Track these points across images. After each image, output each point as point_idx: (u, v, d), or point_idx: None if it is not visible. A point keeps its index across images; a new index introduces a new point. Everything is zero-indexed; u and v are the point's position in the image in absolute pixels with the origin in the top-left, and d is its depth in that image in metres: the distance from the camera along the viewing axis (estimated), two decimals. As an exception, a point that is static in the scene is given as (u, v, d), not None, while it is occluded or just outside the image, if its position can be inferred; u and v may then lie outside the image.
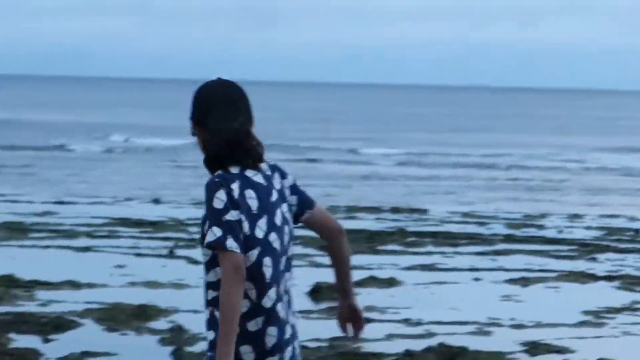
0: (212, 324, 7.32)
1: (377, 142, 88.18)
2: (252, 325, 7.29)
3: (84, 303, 21.21)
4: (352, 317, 7.75)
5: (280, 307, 7.43)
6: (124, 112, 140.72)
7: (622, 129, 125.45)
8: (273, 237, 7.31)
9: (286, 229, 7.43)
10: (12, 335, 18.75)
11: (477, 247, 30.81)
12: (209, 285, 7.38)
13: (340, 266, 7.71)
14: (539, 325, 20.65)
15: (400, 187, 52.59)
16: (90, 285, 23.05)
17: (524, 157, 76.16)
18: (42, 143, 79.11)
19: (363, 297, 22.89)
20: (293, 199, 7.44)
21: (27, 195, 42.83)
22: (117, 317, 19.44)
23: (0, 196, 42.62)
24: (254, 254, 7.20)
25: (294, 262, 7.13)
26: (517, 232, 34.37)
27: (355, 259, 27.58)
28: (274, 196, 7.39)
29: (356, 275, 24.57)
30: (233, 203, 7.23)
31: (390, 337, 19.57)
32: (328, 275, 24.76)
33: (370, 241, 31.31)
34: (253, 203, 7.24)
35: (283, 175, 7.45)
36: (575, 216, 39.20)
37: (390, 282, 24.71)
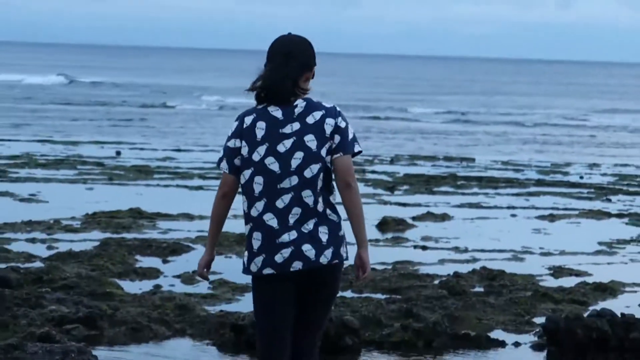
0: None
1: (434, 104, 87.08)
2: (246, 232, 7.92)
3: (197, 231, 21.25)
4: (358, 264, 7.99)
5: (267, 217, 7.80)
6: (214, 76, 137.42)
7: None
8: (270, 160, 7.72)
9: (298, 154, 7.77)
10: (138, 257, 18.87)
11: (513, 189, 30.57)
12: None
13: (350, 218, 7.89)
14: (562, 253, 20.59)
15: (451, 140, 51.30)
16: (201, 217, 22.87)
17: (553, 117, 75.20)
18: (149, 101, 78.61)
19: (421, 229, 22.99)
20: (336, 138, 7.79)
21: (150, 144, 42.12)
22: (222, 243, 18.99)
23: (131, 144, 41.83)
24: (248, 173, 7.75)
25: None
26: (546, 178, 34.05)
27: (415, 198, 28.27)
28: (290, 128, 7.79)
29: (416, 212, 25.32)
30: (237, 133, 7.88)
31: (442, 261, 19.50)
32: (393, 211, 25.56)
33: (428, 184, 31.14)
34: (260, 133, 7.74)
35: (332, 115, 7.80)
36: (593, 165, 38.76)
37: (443, 217, 24.60)
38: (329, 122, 7.77)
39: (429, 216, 24.88)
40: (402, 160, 39.08)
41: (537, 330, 14.68)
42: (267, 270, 7.78)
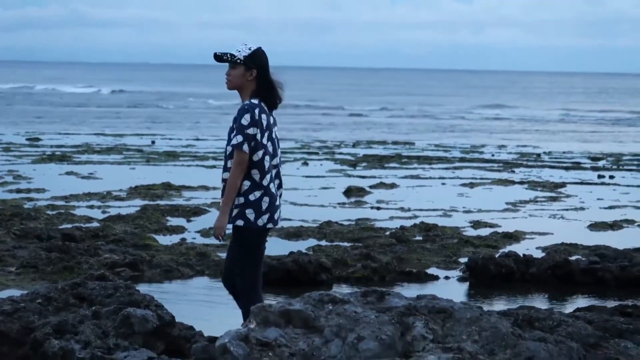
0: (223, 193, 7.93)
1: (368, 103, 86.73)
2: (252, 197, 7.83)
3: (211, 199, 21.25)
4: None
5: (272, 186, 7.95)
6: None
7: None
8: (269, 144, 7.91)
9: (278, 141, 8.08)
10: (168, 218, 18.84)
11: (443, 165, 30.48)
12: (225, 169, 7.97)
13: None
14: (479, 211, 20.60)
15: (395, 129, 51.54)
16: (215, 188, 22.50)
17: (464, 111, 75.70)
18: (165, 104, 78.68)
19: (376, 195, 22.84)
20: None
21: (176, 135, 41.64)
22: (233, 207, 19.45)
23: (162, 135, 41.41)
24: (260, 153, 7.82)
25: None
26: (467, 156, 33.85)
27: (371, 172, 28.09)
28: (273, 120, 8.01)
29: (372, 182, 25.14)
30: (254, 123, 7.85)
31: (391, 218, 19.44)
32: (355, 182, 25.38)
33: (380, 161, 31.07)
34: (264, 122, 7.85)
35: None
36: (501, 146, 38.50)
37: (392, 186, 24.50)
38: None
39: (382, 185, 24.77)
40: (362, 144, 39.02)
41: (462, 267, 14.74)
42: (269, 225, 7.90)
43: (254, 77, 7.93)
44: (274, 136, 8.04)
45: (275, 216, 8.00)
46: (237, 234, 7.90)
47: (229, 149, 7.90)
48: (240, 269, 7.85)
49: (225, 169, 7.92)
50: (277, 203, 8.02)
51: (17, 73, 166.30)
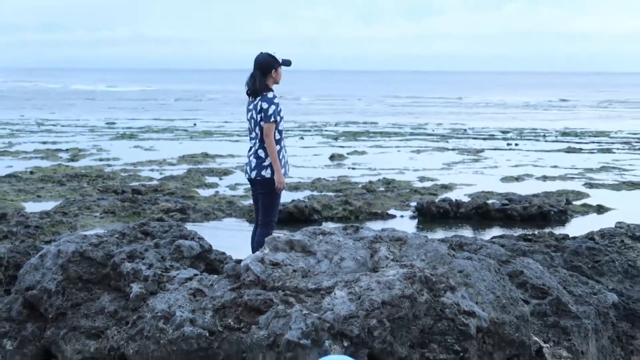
0: (268, 157, 7.27)
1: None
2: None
3: (236, 163, 21.06)
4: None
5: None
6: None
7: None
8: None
9: (252, 121, 7.32)
10: (207, 177, 18.76)
11: (398, 138, 30.31)
12: (264, 146, 7.26)
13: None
14: (424, 169, 20.58)
15: (361, 110, 51.90)
16: (239, 156, 22.69)
17: (404, 97, 75.61)
18: (207, 95, 78.31)
19: (351, 159, 22.77)
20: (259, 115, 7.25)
21: (211, 119, 41.27)
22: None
23: (201, 119, 41.29)
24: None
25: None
26: (415, 131, 33.69)
27: (349, 143, 27.87)
28: (251, 106, 7.36)
29: (348, 150, 24.97)
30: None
31: (363, 175, 19.41)
32: (337, 150, 25.23)
33: (354, 136, 30.93)
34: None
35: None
36: (439, 124, 38.40)
37: (363, 153, 24.44)
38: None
39: (356, 152, 24.71)
40: (341, 124, 38.87)
41: (412, 209, 14.80)
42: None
43: None
44: (249, 117, 7.45)
45: (287, 169, 7.53)
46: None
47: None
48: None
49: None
50: (285, 159, 7.51)
51: (93, 78, 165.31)
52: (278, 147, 7.32)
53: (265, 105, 7.23)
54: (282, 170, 7.37)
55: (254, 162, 7.37)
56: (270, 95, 7.31)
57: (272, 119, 7.20)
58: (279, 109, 7.29)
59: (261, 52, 7.44)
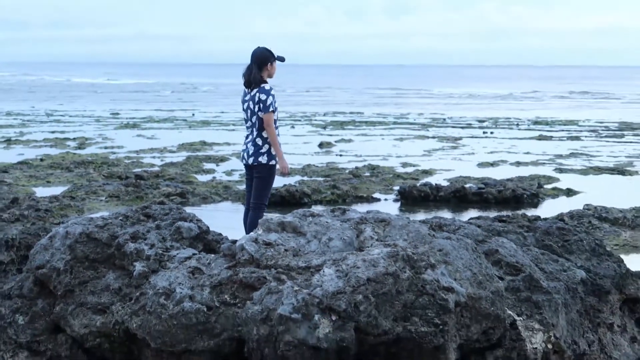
0: (267, 145, 7.23)
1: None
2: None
3: (232, 151, 21.03)
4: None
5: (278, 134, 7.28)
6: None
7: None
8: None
9: (249, 111, 7.26)
10: (204, 163, 18.68)
11: (382, 127, 30.25)
12: (261, 134, 7.20)
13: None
14: (406, 156, 20.58)
15: (349, 101, 52.08)
16: (235, 144, 22.66)
17: (386, 89, 75.47)
18: (207, 87, 78.11)
19: (339, 147, 22.69)
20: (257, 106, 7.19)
21: (208, 109, 40.97)
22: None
23: (200, 110, 41.11)
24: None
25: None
26: (398, 120, 33.75)
27: (336, 132, 27.86)
28: (247, 96, 7.29)
29: (336, 138, 25.03)
30: (275, 97, 7.22)
31: (349, 161, 19.34)
32: (326, 138, 25.17)
33: (341, 125, 30.82)
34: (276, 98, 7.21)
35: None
36: (420, 114, 38.40)
37: (349, 141, 24.41)
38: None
39: (343, 141, 24.69)
40: (329, 114, 38.81)
41: (395, 192, 14.80)
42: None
43: None
44: (245, 107, 7.36)
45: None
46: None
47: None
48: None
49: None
50: (243, 148, 7.46)
51: (96, 72, 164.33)
52: None
53: (263, 97, 7.17)
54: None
55: (251, 149, 7.33)
56: (267, 87, 7.24)
57: (271, 109, 7.16)
58: (274, 100, 7.24)
59: (258, 47, 7.36)
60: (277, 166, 7.35)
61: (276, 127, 7.32)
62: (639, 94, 63.92)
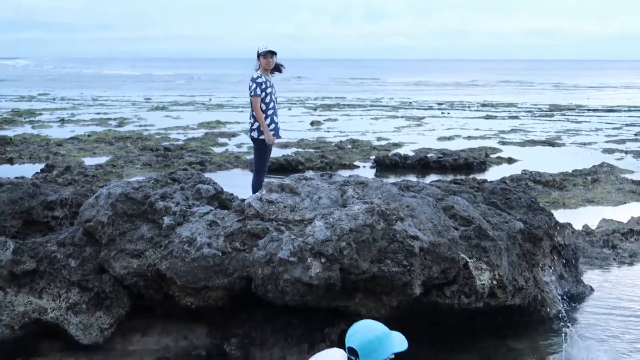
0: (257, 123, 6.99)
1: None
2: (268, 121, 6.98)
3: (241, 128, 20.79)
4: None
5: (272, 114, 7.01)
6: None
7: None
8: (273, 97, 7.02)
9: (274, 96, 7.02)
10: (219, 138, 18.35)
11: (362, 109, 29.95)
12: (252, 114, 7.01)
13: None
14: (381, 132, 20.46)
15: (335, 89, 51.66)
16: (243, 123, 22.32)
17: (366, 79, 74.94)
18: (220, 78, 77.49)
19: (327, 125, 22.49)
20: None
21: (223, 94, 40.40)
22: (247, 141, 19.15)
23: (216, 96, 40.66)
24: (265, 98, 6.95)
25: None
26: (374, 104, 33.54)
27: (325, 113, 27.72)
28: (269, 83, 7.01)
29: (325, 118, 24.78)
30: (260, 84, 6.89)
31: (335, 136, 19.19)
32: (317, 118, 25.02)
33: (329, 107, 30.55)
34: (267, 84, 6.96)
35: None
36: (391, 98, 38.11)
37: (336, 120, 24.07)
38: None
39: (330, 120, 24.49)
40: (319, 98, 38.45)
41: (372, 161, 14.76)
42: (274, 136, 7.13)
43: None
44: (268, 91, 7.05)
45: (275, 132, 7.09)
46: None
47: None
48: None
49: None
50: (274, 125, 7.11)
51: (133, 65, 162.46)
52: (264, 115, 7.05)
53: (249, 84, 7.07)
54: (272, 133, 7.08)
55: (248, 126, 7.29)
56: (254, 75, 7.07)
57: (252, 94, 7.00)
58: (255, 85, 6.97)
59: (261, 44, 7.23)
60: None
61: (271, 108, 7.09)
62: (557, 82, 63.75)
